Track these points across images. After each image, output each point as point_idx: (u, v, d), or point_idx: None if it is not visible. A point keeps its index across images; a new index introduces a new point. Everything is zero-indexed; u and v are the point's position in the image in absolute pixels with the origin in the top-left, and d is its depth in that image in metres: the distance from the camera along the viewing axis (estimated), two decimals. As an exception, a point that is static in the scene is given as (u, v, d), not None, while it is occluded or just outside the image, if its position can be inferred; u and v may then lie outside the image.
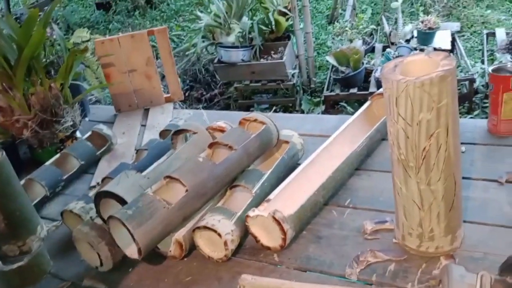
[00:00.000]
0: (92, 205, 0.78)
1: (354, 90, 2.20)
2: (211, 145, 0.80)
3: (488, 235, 0.64)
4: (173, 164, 0.78)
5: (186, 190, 0.69)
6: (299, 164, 0.82)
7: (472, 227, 0.65)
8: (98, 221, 0.73)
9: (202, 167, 0.73)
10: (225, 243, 0.67)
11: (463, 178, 0.74)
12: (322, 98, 2.29)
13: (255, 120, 0.86)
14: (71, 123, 1.05)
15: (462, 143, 0.80)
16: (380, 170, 0.84)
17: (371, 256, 0.64)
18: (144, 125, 1.21)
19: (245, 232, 0.72)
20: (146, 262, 0.72)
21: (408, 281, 0.59)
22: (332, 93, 2.24)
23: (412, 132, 0.55)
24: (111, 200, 0.72)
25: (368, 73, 2.26)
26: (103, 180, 0.84)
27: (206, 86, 2.64)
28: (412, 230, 0.62)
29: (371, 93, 1.15)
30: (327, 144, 0.85)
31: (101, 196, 0.73)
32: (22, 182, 0.90)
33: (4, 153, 0.72)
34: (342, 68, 2.25)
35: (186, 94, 2.59)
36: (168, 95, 1.29)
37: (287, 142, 0.88)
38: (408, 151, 0.57)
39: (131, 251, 0.65)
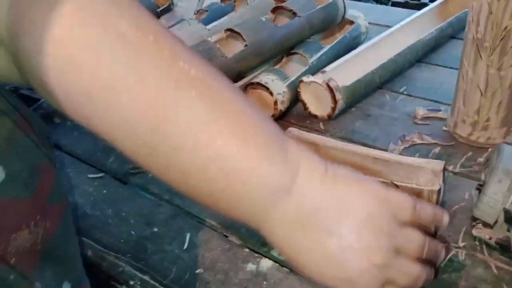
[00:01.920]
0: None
1: (426, 0, 2.04)
2: (274, 10, 0.78)
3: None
4: (234, 22, 0.77)
5: (246, 45, 0.69)
6: (360, 46, 0.79)
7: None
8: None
9: (263, 26, 0.72)
10: (275, 103, 0.68)
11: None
12: (389, 4, 2.14)
13: (323, -7, 0.82)
14: (136, -26, 1.04)
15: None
16: (444, 65, 0.81)
17: (417, 138, 0.64)
18: (205, -7, 1.19)
19: (294, 100, 0.72)
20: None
21: (450, 164, 0.59)
22: (401, 0, 2.08)
23: (498, 7, 0.51)
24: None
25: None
26: (163, 31, 0.85)
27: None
28: (467, 117, 0.60)
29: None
30: (393, 31, 0.81)
31: (162, 40, 0.74)
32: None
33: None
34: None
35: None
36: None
37: (352, 22, 0.84)
38: (487, 29, 0.53)
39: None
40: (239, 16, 0.79)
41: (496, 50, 0.54)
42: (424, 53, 0.81)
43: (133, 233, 0.55)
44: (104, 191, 0.61)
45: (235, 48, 0.71)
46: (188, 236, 0.53)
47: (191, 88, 0.29)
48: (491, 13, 0.52)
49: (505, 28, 0.52)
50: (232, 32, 0.71)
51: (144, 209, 0.58)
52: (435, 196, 0.46)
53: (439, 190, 0.47)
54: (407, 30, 0.83)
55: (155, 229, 0.55)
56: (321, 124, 0.70)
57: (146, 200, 0.59)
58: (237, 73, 0.70)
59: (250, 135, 0.31)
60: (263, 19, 0.74)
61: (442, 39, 0.84)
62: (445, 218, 0.38)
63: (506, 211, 0.43)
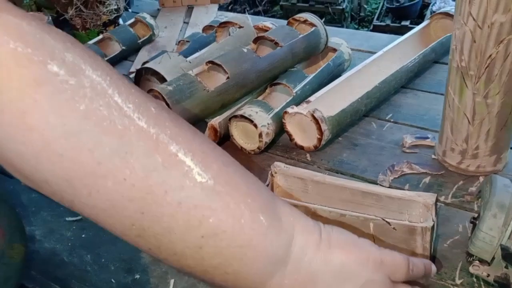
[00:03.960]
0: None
1: (406, 23, 2.08)
2: (256, 40, 0.77)
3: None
4: (216, 53, 0.76)
5: (228, 77, 0.68)
6: (344, 73, 0.78)
7: (518, 154, 0.62)
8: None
9: (245, 57, 0.71)
10: (260, 135, 0.66)
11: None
12: (371, 28, 2.18)
13: (305, 21, 0.82)
14: (115, 7, 1.03)
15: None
16: (428, 90, 0.80)
17: (406, 167, 0.63)
18: (186, 22, 1.19)
19: (279, 131, 0.71)
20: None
21: (442, 195, 0.58)
22: (382, 24, 2.12)
23: (481, 35, 0.50)
24: (150, 80, 0.72)
25: (425, 5, 2.12)
26: (143, 64, 0.83)
27: (251, 2, 2.54)
28: (456, 145, 0.59)
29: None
30: (376, 57, 0.81)
31: (141, 74, 0.72)
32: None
33: (49, 17, 0.72)
34: (398, -3, 2.12)
35: (229, 7, 2.51)
36: (214, -5, 1.25)
37: (334, 50, 0.84)
38: (471, 57, 0.52)
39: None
40: (220, 47, 0.78)
41: (482, 78, 0.53)
42: (408, 79, 0.80)
43: (113, 281, 0.52)
44: (83, 235, 0.58)
45: (217, 80, 0.69)
46: (172, 282, 0.50)
47: (180, 167, 0.28)
48: (475, 42, 0.51)
49: (489, 56, 0.51)
50: (213, 64, 0.69)
51: (124, 253, 0.55)
52: (429, 233, 0.44)
53: (433, 226, 0.45)
54: (390, 56, 0.83)
55: (137, 276, 0.52)
56: (307, 155, 0.68)
57: (126, 244, 0.56)
58: (220, 106, 0.68)
59: (244, 208, 0.30)
60: (245, 50, 0.72)
61: (425, 64, 0.83)
62: (433, 270, 0.40)
63: (502, 248, 0.41)
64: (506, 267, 0.42)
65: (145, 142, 0.27)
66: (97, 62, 0.28)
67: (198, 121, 0.67)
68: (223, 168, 0.30)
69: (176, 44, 1.03)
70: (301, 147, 0.69)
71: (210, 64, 0.70)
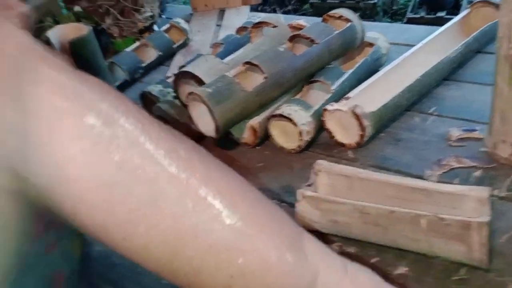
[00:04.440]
0: (170, 89, 0.79)
1: (442, 14, 2.02)
2: (291, 38, 0.76)
3: None
4: (251, 54, 0.76)
5: (265, 77, 0.68)
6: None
7: None
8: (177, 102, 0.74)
9: (282, 56, 0.71)
10: (300, 134, 0.66)
11: None
12: (405, 21, 2.13)
13: (340, 17, 0.80)
14: (150, 13, 1.05)
15: None
16: (472, 81, 0.77)
17: (454, 161, 0.60)
18: (219, 25, 1.19)
19: (319, 129, 0.70)
20: (220, 148, 0.73)
21: (495, 188, 0.55)
22: (416, 16, 2.07)
23: (532, 20, 0.48)
24: (188, 83, 0.73)
25: (462, -6, 2.05)
26: (180, 68, 0.84)
27: (280, 1, 2.54)
28: (507, 137, 0.57)
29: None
30: (414, 50, 0.79)
31: (179, 77, 0.73)
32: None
33: (91, 28, 0.74)
34: (432, -12, 2.06)
35: (259, 8, 2.51)
36: (245, -3, 1.25)
37: (371, 44, 0.82)
38: (521, 43, 0.50)
39: (208, 129, 0.65)
40: (255, 48, 0.78)
41: (534, 65, 0.50)
42: (451, 70, 0.78)
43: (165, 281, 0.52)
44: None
45: (254, 80, 0.69)
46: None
47: (209, 211, 0.29)
48: (525, 27, 0.49)
49: (542, 41, 0.49)
50: (250, 65, 0.69)
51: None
52: (485, 228, 0.43)
53: (489, 221, 0.43)
54: (430, 48, 0.80)
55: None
56: (349, 152, 0.67)
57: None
58: (258, 105, 0.68)
59: (272, 248, 0.30)
60: (281, 49, 0.72)
61: (468, 55, 0.80)
62: None
63: None
64: None
65: (176, 187, 0.28)
66: (128, 108, 0.29)
67: (237, 122, 0.67)
68: (251, 208, 0.31)
69: (210, 47, 1.04)
70: (342, 145, 0.68)
71: (248, 65, 0.70)
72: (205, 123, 0.65)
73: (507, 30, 0.51)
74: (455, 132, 0.65)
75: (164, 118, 0.71)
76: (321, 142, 0.71)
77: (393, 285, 0.35)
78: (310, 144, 0.70)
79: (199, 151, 0.31)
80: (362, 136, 0.65)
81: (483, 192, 0.47)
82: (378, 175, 0.54)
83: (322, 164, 0.56)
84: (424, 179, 0.59)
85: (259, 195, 0.33)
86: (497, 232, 0.50)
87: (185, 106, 0.70)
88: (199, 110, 0.65)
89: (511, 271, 0.45)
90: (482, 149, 0.62)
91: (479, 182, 0.57)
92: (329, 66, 0.76)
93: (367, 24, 1.03)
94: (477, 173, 0.58)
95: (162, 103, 0.74)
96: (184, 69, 0.72)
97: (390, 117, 0.69)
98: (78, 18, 1.02)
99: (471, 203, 0.48)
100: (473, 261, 0.44)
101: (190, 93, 0.65)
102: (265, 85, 0.68)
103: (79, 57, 0.67)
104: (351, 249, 0.51)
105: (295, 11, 2.49)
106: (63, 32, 0.73)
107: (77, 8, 1.01)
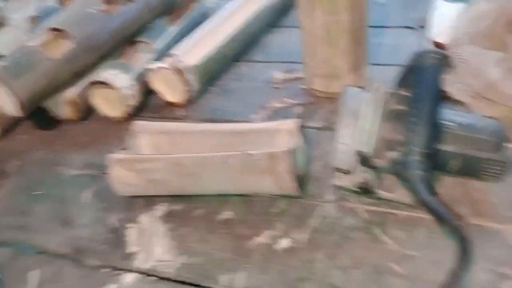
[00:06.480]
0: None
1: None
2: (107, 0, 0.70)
3: (394, 74, 0.62)
4: (61, 20, 0.68)
5: (74, 43, 0.61)
6: (208, 22, 0.75)
7: (380, 69, 0.63)
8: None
9: (93, 18, 0.65)
10: (124, 99, 0.62)
11: (378, 26, 0.71)
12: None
13: (159, -27, 0.76)
14: None
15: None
16: (295, 26, 0.79)
17: (277, 102, 0.61)
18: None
19: (148, 92, 0.66)
20: (41, 129, 0.66)
21: (312, 120, 0.57)
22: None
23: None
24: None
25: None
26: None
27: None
28: (318, 70, 0.59)
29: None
30: (239, 1, 0.78)
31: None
32: None
33: None
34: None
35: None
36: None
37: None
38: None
39: (12, 107, 0.58)
40: (67, 13, 0.70)
41: (325, -5, 0.52)
42: (275, 18, 0.79)
43: None
44: None
45: (64, 47, 0.62)
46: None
47: None
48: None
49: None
50: (57, 31, 0.62)
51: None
52: (290, 156, 0.43)
53: (294, 149, 0.44)
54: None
55: (-2, 275, 0.46)
56: (181, 111, 0.65)
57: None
58: (72, 74, 0.62)
59: None
60: (93, 10, 0.66)
61: (290, 1, 0.82)
62: None
63: (357, 153, 0.41)
64: (366, 172, 0.42)
65: None
66: None
67: (49, 95, 0.60)
68: None
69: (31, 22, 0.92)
70: (173, 104, 0.65)
71: (55, 32, 0.63)
72: (8, 102, 0.57)
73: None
74: (279, 75, 0.66)
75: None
76: (152, 105, 0.67)
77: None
78: (141, 109, 0.66)
79: None
80: (188, 91, 0.63)
81: (292, 124, 0.48)
82: (199, 126, 0.52)
83: (139, 124, 0.52)
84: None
85: None
86: (314, 160, 0.52)
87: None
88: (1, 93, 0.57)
89: (324, 193, 0.47)
90: (302, 86, 0.64)
91: (299, 117, 0.58)
92: (151, 25, 0.72)
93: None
94: (298, 109, 0.60)
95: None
96: (-23, 44, 0.62)
97: (217, 69, 0.68)
98: None
99: (283, 136, 0.48)
100: (284, 190, 0.45)
101: (-19, 70, 0.56)
102: (76, 51, 0.61)
103: None
104: (178, 207, 0.49)
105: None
106: None
107: None
